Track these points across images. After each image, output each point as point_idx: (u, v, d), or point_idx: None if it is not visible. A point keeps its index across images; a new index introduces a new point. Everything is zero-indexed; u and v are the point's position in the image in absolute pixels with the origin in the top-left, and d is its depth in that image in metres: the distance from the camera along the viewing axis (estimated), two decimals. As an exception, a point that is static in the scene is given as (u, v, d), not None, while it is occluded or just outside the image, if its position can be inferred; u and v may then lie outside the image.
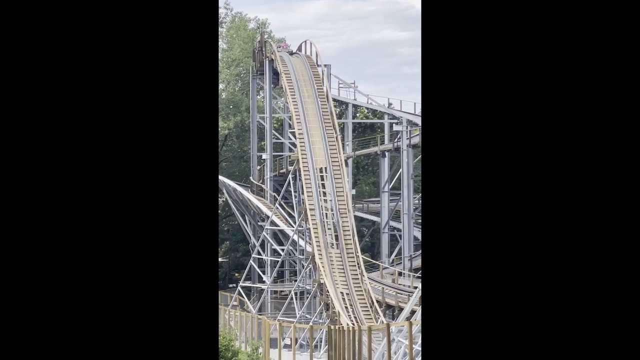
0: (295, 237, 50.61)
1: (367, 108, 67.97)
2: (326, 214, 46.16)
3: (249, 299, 54.81)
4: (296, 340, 38.17)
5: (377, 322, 37.60)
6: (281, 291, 55.14)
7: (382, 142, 59.08)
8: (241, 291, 54.32)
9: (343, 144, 55.70)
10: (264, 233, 55.01)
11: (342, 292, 42.38)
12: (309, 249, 46.72)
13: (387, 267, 52.36)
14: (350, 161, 59.66)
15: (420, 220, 59.47)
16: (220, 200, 63.25)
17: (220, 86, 72.17)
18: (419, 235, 57.97)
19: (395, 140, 55.59)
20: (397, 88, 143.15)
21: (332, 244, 45.08)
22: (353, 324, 35.10)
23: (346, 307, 41.11)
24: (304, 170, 47.90)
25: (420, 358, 25.25)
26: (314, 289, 45.76)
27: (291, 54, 58.09)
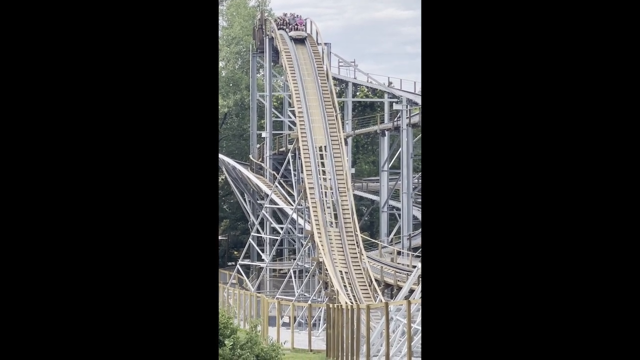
0: (295, 216, 50.63)
1: (367, 87, 67.82)
2: (325, 192, 46.16)
3: (247, 277, 54.87)
4: (295, 318, 38.25)
5: (375, 301, 37.66)
6: (280, 269, 55.21)
7: (382, 121, 59.01)
8: (240, 269, 54.37)
9: (343, 122, 55.65)
10: (263, 211, 55.02)
11: (340, 271, 42.43)
12: (308, 227, 46.74)
13: (386, 246, 52.39)
14: (349, 140, 59.60)
15: (419, 200, 59.47)
16: (220, 179, 63.27)
17: (220, 64, 72.02)
18: (418, 214, 57.99)
19: (395, 119, 55.53)
20: (399, 67, 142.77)
21: (331, 223, 45.11)
22: (352, 303, 35.15)
23: (345, 286, 41.17)
24: (304, 149, 47.86)
25: (419, 337, 25.30)
26: (312, 267, 45.82)
27: (296, 40, 56.09)
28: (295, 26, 55.66)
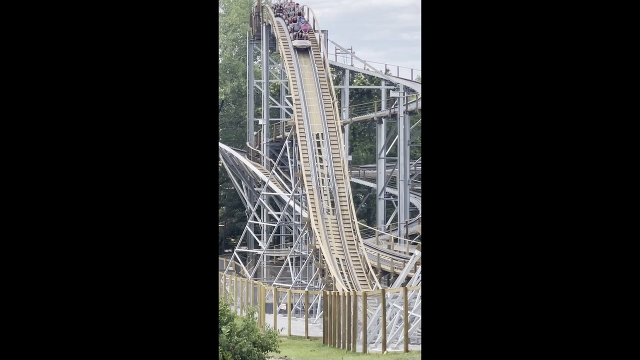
0: (292, 203, 50.64)
1: (364, 74, 67.78)
2: (322, 180, 46.16)
3: (244, 265, 54.91)
4: (292, 305, 38.29)
5: (372, 288, 37.71)
6: (277, 257, 55.24)
7: (379, 109, 58.99)
8: (237, 256, 54.39)
9: (340, 110, 55.61)
10: (260, 199, 55.02)
11: (337, 258, 42.46)
12: (305, 214, 46.75)
13: (382, 234, 52.42)
14: (346, 127, 59.58)
15: (416, 187, 59.50)
16: (217, 166, 63.16)
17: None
18: (415, 201, 58.03)
19: (392, 107, 55.51)
20: (396, 54, 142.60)
21: (328, 210, 45.13)
22: (348, 290, 35.20)
23: (342, 273, 41.21)
24: (301, 136, 47.85)
25: (415, 324, 25.36)
26: (309, 254, 45.86)
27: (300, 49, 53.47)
28: (300, 33, 53.06)
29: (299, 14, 54.84)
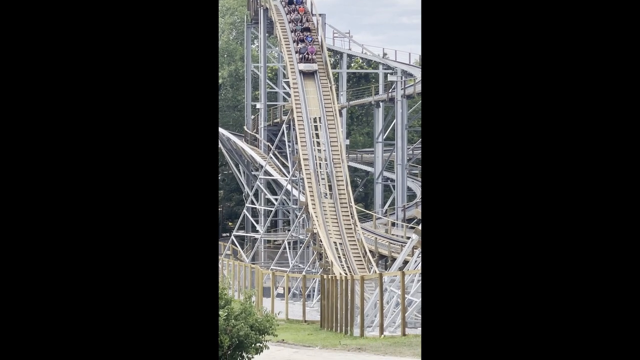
0: (289, 187, 50.66)
1: (361, 58, 67.72)
2: (320, 164, 46.17)
3: (242, 248, 54.96)
4: (289, 289, 38.34)
5: (369, 272, 37.76)
6: (274, 241, 55.30)
7: (377, 93, 58.96)
8: (234, 240, 54.43)
9: (337, 94, 55.57)
10: (257, 182, 55.03)
11: (335, 242, 42.51)
12: (302, 198, 46.78)
13: (380, 218, 52.47)
14: (344, 111, 59.55)
15: (413, 171, 59.53)
16: (214, 150, 63.11)
17: (215, 35, 71.76)
18: (412, 185, 58.07)
19: (390, 91, 55.48)
20: (395, 38, 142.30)
21: (326, 194, 45.15)
22: (346, 274, 35.24)
23: (339, 257, 41.26)
24: (298, 120, 47.83)
25: (412, 307, 25.39)
26: (307, 238, 45.89)
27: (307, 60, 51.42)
28: (307, 56, 50.72)
29: (307, 29, 52.42)
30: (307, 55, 50.61)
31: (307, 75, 50.01)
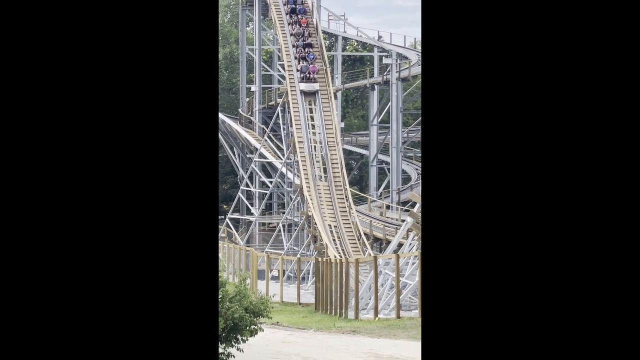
0: (284, 170, 50.66)
1: (356, 41, 67.62)
2: (315, 146, 46.13)
3: (237, 231, 54.98)
4: (283, 272, 38.38)
5: (364, 255, 37.80)
6: (269, 223, 55.32)
7: (372, 75, 58.89)
8: (229, 223, 54.44)
9: (332, 76, 55.50)
10: (252, 165, 55.01)
11: (330, 225, 42.52)
12: (297, 181, 46.77)
13: (375, 200, 52.49)
14: (339, 94, 59.48)
15: (408, 154, 59.55)
16: (209, 132, 62.98)
17: (209, 17, 71.60)
18: (407, 168, 58.09)
19: (385, 74, 55.42)
20: (390, 21, 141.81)
21: (321, 177, 45.14)
22: (340, 257, 35.28)
23: (334, 240, 41.27)
24: (293, 103, 47.77)
25: (407, 290, 25.44)
26: (301, 221, 45.91)
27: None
28: (308, 75, 48.75)
29: (310, 45, 50.12)
30: (308, 75, 48.69)
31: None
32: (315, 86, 48.44)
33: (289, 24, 51.46)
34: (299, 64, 49.20)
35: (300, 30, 50.80)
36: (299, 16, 51.60)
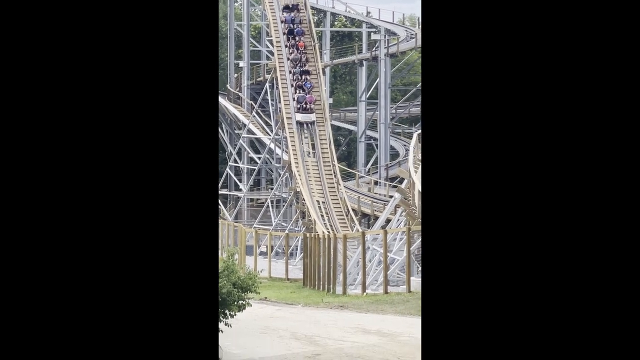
0: (272, 146, 50.67)
1: (345, 16, 67.49)
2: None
3: (225, 207, 55.03)
4: (272, 247, 38.48)
5: (352, 231, 37.90)
6: (257, 199, 55.38)
7: (360, 51, 58.85)
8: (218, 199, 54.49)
9: (321, 52, 55.43)
10: (240, 141, 55.01)
11: (318, 201, 42.60)
12: (285, 157, 46.80)
13: (363, 176, 52.57)
14: (327, 70, 59.44)
15: (396, 130, 59.58)
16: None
17: (197, -8, 71.32)
18: (395, 144, 58.15)
19: (373, 50, 55.39)
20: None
21: (309, 153, 45.17)
22: (328, 232, 35.37)
23: (322, 216, 41.37)
24: (281, 79, 47.72)
25: (394, 265, 25.53)
26: (290, 197, 45.98)
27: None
28: (305, 105, 46.63)
29: (307, 72, 48.42)
30: (305, 105, 46.60)
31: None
32: (311, 117, 46.16)
33: (285, 46, 50.10)
34: (295, 92, 47.28)
35: (297, 56, 48.80)
36: (296, 40, 49.48)
